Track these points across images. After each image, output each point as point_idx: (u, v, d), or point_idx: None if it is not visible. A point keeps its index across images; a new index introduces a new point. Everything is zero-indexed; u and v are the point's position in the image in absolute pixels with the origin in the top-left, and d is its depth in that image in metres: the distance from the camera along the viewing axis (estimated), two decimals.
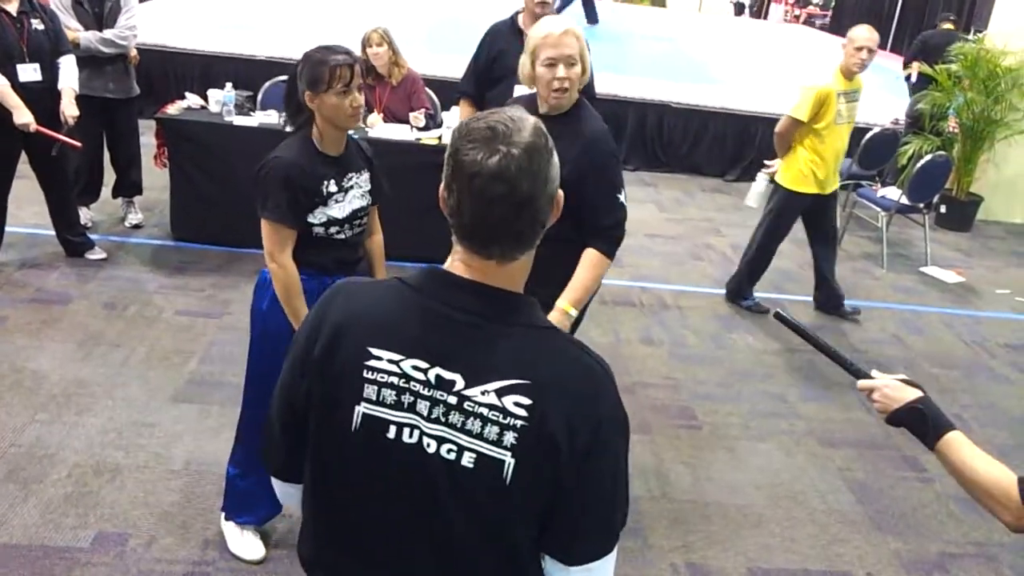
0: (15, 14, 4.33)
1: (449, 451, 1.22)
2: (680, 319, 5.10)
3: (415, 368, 1.23)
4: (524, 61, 2.75)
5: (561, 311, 2.69)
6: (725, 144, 8.26)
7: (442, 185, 1.24)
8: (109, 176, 5.40)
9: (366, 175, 2.69)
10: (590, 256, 2.71)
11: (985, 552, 3.39)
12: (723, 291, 5.52)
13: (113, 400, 3.67)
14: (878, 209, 6.64)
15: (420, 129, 5.13)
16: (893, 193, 6.57)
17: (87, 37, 4.82)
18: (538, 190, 1.22)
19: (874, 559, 3.29)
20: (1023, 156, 7.69)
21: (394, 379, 1.23)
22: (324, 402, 1.28)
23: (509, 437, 1.19)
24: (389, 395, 1.23)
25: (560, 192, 1.28)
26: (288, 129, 2.62)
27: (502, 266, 1.25)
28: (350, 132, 2.67)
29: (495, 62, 4.16)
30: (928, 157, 6.41)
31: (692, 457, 3.77)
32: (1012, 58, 7.35)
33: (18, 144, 4.48)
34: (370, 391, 1.24)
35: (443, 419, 1.22)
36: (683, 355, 4.67)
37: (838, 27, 18.25)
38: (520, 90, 4.07)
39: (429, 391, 1.22)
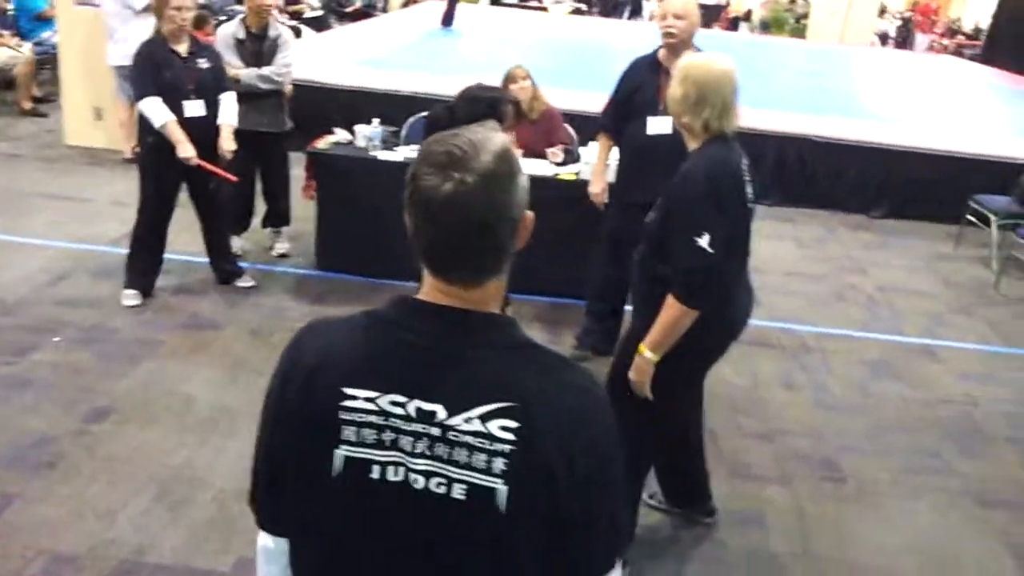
0: (185, 55, 4.61)
1: (439, 485, 1.17)
2: (823, 363, 4.89)
3: (393, 403, 1.18)
4: (674, 88, 2.72)
5: (638, 353, 2.67)
6: (869, 179, 7.93)
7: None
8: (260, 206, 5.64)
9: None
10: (667, 298, 2.64)
11: None
12: (869, 335, 5.26)
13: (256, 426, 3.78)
14: None
15: (558, 164, 5.14)
16: None
17: (247, 74, 5.08)
18: (496, 217, 1.17)
19: None
20: None
21: (372, 417, 1.19)
22: (302, 449, 1.24)
23: (499, 463, 1.14)
24: (369, 434, 1.19)
25: (530, 215, 1.23)
26: None
27: (470, 291, 1.21)
28: None
29: (633, 96, 4.15)
30: None
31: (837, 513, 3.58)
32: None
33: (180, 176, 4.74)
34: (348, 432, 1.19)
35: (428, 452, 1.17)
36: (826, 403, 4.46)
37: (990, 57, 17.36)
38: (654, 124, 4.04)
39: (410, 425, 1.17)
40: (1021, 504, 3.76)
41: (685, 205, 2.63)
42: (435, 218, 1.17)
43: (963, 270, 6.71)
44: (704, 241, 2.57)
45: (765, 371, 4.73)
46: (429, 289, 1.24)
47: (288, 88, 5.38)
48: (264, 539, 1.38)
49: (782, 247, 6.85)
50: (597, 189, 4.51)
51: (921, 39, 19.61)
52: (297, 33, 9.64)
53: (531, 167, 5.12)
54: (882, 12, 19.27)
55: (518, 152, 4.68)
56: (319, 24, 11.94)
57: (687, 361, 2.78)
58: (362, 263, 5.33)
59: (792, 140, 7.96)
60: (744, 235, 2.81)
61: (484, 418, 1.15)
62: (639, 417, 2.81)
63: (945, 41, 19.88)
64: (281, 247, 5.66)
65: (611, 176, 4.50)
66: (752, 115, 8.00)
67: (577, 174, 5.04)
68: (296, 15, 11.82)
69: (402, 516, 1.20)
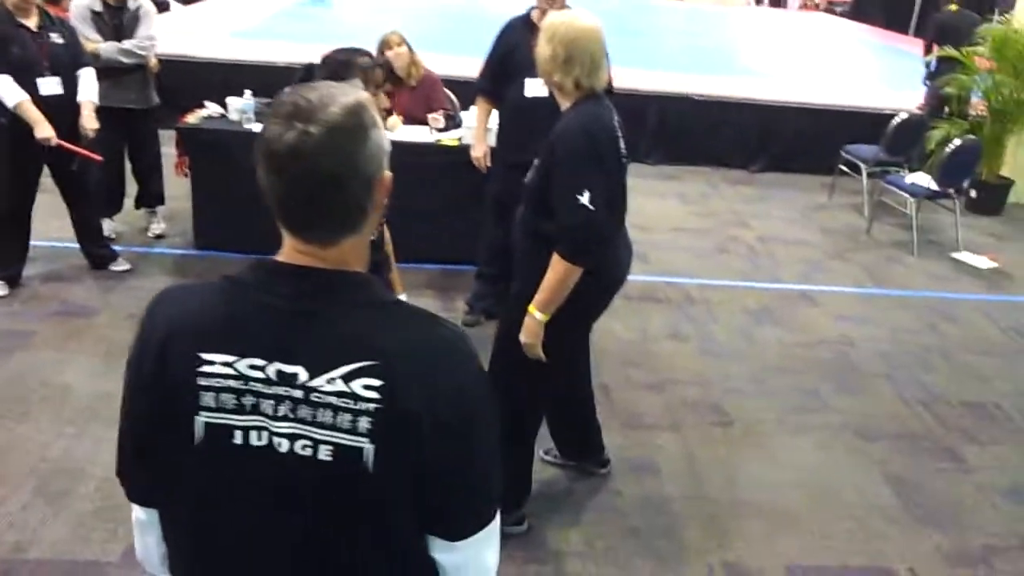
0: (35, 29, 4.34)
1: (304, 447, 1.15)
2: (708, 314, 5.03)
3: (252, 367, 1.15)
4: (542, 47, 2.70)
5: (528, 314, 2.67)
6: (748, 135, 8.15)
7: None
8: (131, 187, 5.42)
9: None
10: (552, 257, 2.63)
11: None
12: (751, 284, 5.44)
13: None
14: (906, 196, 6.52)
15: (440, 130, 5.09)
16: (922, 179, 6.45)
17: (107, 48, 4.83)
18: (346, 171, 1.15)
19: (915, 554, 3.20)
20: None
21: (231, 382, 1.16)
22: (164, 418, 1.20)
23: (363, 423, 1.13)
24: (229, 399, 1.16)
25: (388, 175, 1.22)
26: None
27: (328, 249, 1.19)
28: None
29: (509, 57, 4.13)
30: (959, 141, 6.29)
31: (726, 455, 3.70)
32: None
33: (40, 158, 4.49)
34: (208, 399, 1.16)
35: (292, 415, 1.15)
36: (712, 351, 4.59)
37: (860, 13, 18.05)
38: (531, 85, 4.04)
39: (271, 388, 1.15)
40: (896, 435, 3.96)
41: (565, 163, 2.62)
42: (280, 170, 1.14)
43: (838, 218, 7.00)
44: (585, 198, 2.57)
45: (653, 324, 4.83)
46: (287, 250, 1.20)
47: (153, 62, 5.15)
48: (137, 511, 1.35)
49: (667, 204, 6.99)
50: (479, 152, 4.48)
51: None
52: (164, 7, 9.23)
53: (413, 133, 5.06)
54: None
55: (399, 120, 4.58)
56: None
57: (573, 317, 2.80)
58: (242, 239, 5.10)
59: (673, 99, 8.11)
60: (621, 190, 2.83)
61: (347, 378, 1.13)
62: (528, 376, 2.83)
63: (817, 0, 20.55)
64: (157, 228, 5.45)
65: (493, 139, 4.48)
66: (633, 76, 8.12)
67: (460, 139, 5.00)
68: None
69: (268, 481, 1.17)
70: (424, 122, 5.13)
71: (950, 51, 7.56)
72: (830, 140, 7.75)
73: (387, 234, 2.91)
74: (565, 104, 2.75)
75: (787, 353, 4.64)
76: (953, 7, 8.87)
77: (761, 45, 12.52)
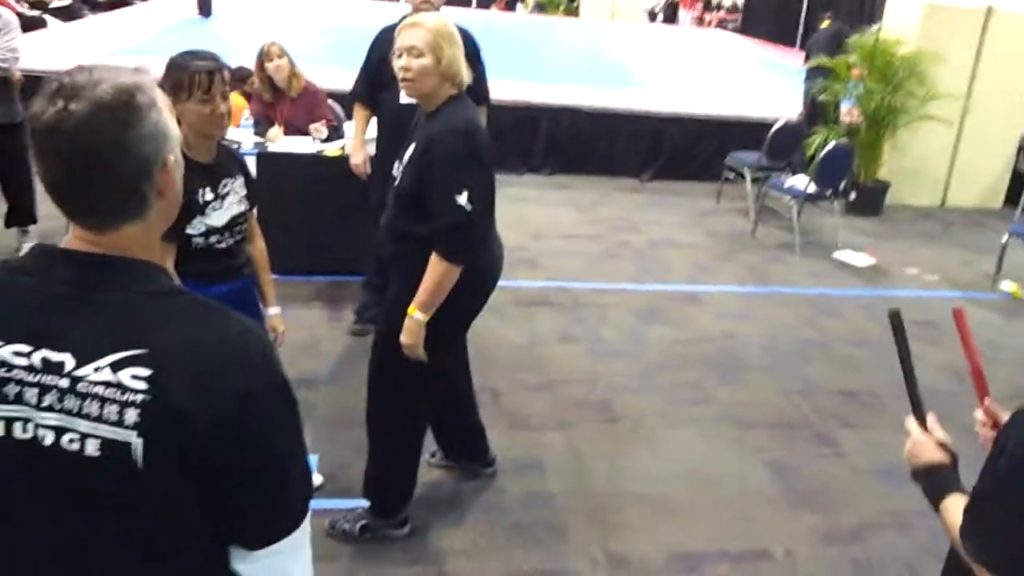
0: None
1: (71, 441, 1.08)
2: (598, 316, 5.10)
3: (16, 354, 1.10)
4: None
5: (408, 316, 2.66)
6: (639, 144, 8.34)
7: None
8: (1, 205, 5.20)
9: (241, 179, 2.63)
10: (431, 258, 2.64)
11: (901, 520, 3.42)
12: (639, 287, 5.54)
13: None
14: (788, 198, 6.77)
15: (323, 141, 5.05)
16: (802, 182, 6.70)
17: None
18: (113, 152, 1.10)
19: (792, 535, 3.30)
20: (924, 141, 7.93)
21: None
22: None
23: (131, 415, 1.07)
24: None
25: (172, 159, 1.17)
26: None
27: (105, 235, 1.14)
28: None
29: (383, 65, 4.13)
30: (831, 145, 6.57)
31: (611, 450, 3.74)
32: (906, 48, 7.61)
33: None
34: None
35: (57, 406, 1.09)
36: (600, 351, 4.65)
37: (748, 29, 18.70)
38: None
39: (36, 377, 1.09)
40: (773, 423, 4.08)
41: (444, 164, 2.62)
42: (42, 147, 1.10)
43: (725, 222, 7.20)
44: (463, 198, 2.59)
45: (543, 328, 4.87)
46: (69, 237, 1.16)
47: (17, 76, 4.95)
48: None
49: (560, 212, 7.08)
50: (358, 160, 4.47)
51: (685, 15, 20.84)
52: (39, 23, 8.92)
53: (294, 145, 5.01)
54: None
55: (280, 131, 4.46)
56: (68, 14, 11.10)
57: (451, 318, 2.80)
58: None
59: (566, 111, 8.24)
60: (492, 188, 2.85)
61: (115, 367, 1.08)
62: (409, 379, 2.83)
63: (708, 16, 21.21)
64: (28, 247, 5.22)
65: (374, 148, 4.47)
66: (528, 89, 8.25)
67: (343, 150, 4.97)
68: (40, 5, 10.93)
69: (33, 477, 1.10)
70: (307, 133, 5.08)
71: (822, 60, 7.90)
72: (717, 148, 8.03)
73: (259, 243, 2.85)
74: (433, 105, 2.75)
75: (673, 351, 4.73)
76: (826, 22, 9.33)
77: (655, 59, 12.84)
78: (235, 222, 2.58)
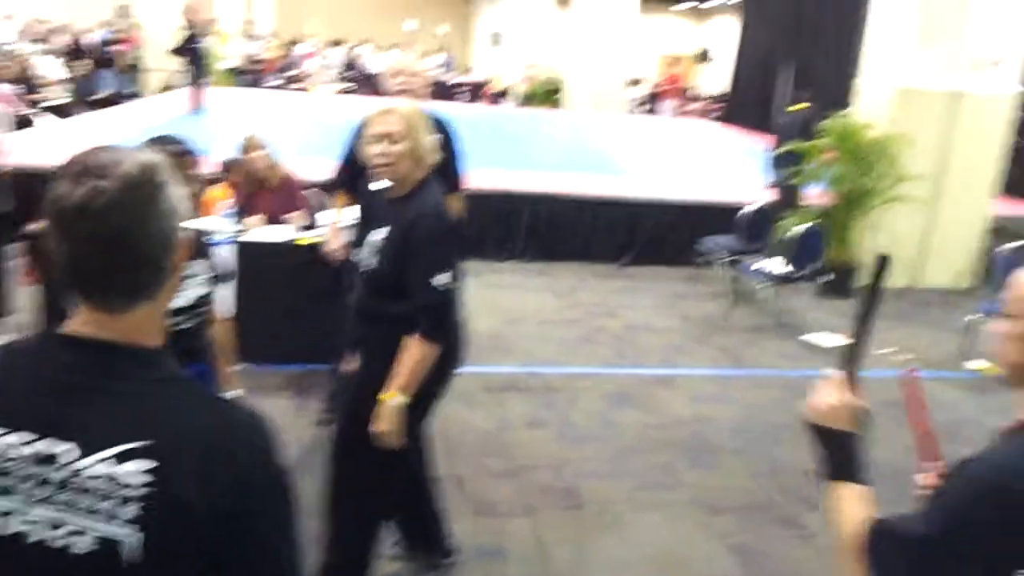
0: None
1: (60, 538, 1.07)
2: (569, 401, 5.11)
3: (17, 443, 1.08)
4: None
5: (383, 402, 2.69)
6: (616, 230, 8.48)
7: None
8: None
9: (204, 262, 2.70)
10: (412, 340, 2.70)
11: None
12: (612, 371, 5.57)
13: None
14: (759, 281, 6.86)
15: (302, 229, 5.16)
16: (774, 264, 6.80)
17: None
18: (137, 228, 1.11)
19: None
20: (896, 223, 8.06)
21: None
22: None
23: (132, 509, 1.06)
24: None
25: (187, 235, 1.20)
26: None
27: (119, 318, 1.14)
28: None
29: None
30: (802, 228, 6.69)
31: (575, 536, 3.72)
32: (877, 130, 7.81)
33: None
34: None
35: (51, 500, 1.07)
36: (569, 436, 4.66)
37: (730, 117, 19.14)
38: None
39: (33, 468, 1.08)
40: (741, 507, 4.07)
41: (425, 246, 2.71)
42: (70, 229, 1.08)
43: (700, 306, 7.27)
44: (444, 278, 2.68)
45: (512, 414, 4.87)
46: (78, 320, 1.15)
47: (7, 168, 5.09)
48: None
49: (538, 298, 7.15)
50: (334, 245, 4.54)
51: (667, 104, 21.39)
52: (27, 123, 9.16)
53: (270, 233, 5.10)
54: (635, 83, 20.85)
55: (259, 219, 4.57)
56: (62, 112, 11.38)
57: (424, 399, 2.84)
58: None
59: (545, 199, 8.41)
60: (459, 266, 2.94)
61: (120, 459, 1.07)
62: (378, 464, 2.83)
63: (691, 106, 21.73)
64: (3, 339, 5.26)
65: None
66: (506, 177, 8.43)
67: (320, 238, 5.06)
68: (36, 104, 11.23)
69: (15, 574, 1.09)
70: (284, 223, 5.19)
71: (791, 145, 8.11)
72: (693, 232, 8.13)
73: (221, 326, 2.90)
74: (404, 189, 2.83)
75: (644, 435, 4.74)
76: (803, 105, 9.56)
77: (636, 147, 13.14)
78: (200, 303, 2.66)
